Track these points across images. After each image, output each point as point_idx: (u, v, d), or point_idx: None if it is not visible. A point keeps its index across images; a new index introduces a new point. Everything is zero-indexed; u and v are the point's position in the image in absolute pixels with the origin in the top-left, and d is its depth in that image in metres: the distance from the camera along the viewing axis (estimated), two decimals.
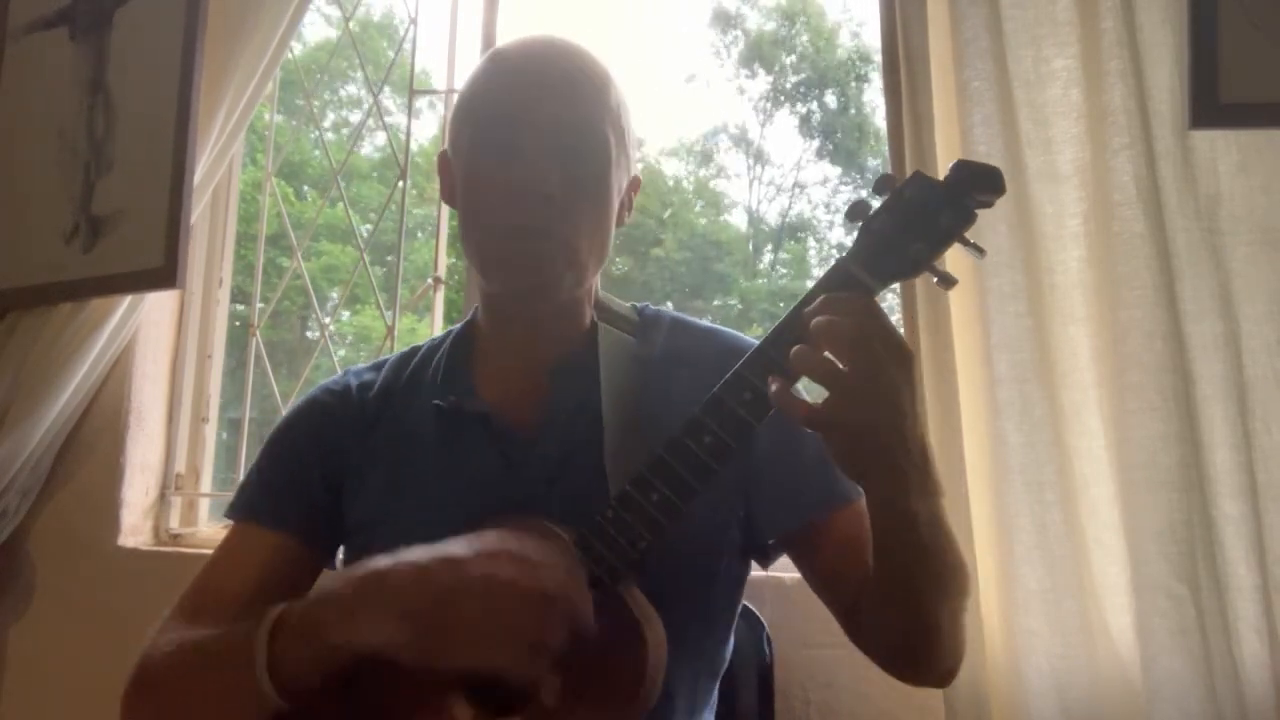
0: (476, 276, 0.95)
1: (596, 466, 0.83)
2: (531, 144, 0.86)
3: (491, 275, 0.91)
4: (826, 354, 0.67)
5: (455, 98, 1.87)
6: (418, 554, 0.69)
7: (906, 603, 0.79)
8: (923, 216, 0.70)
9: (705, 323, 1.01)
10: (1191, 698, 1.12)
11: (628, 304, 1.01)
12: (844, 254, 0.72)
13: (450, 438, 0.90)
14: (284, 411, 1.83)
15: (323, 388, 0.99)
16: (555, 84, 0.88)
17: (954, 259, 0.85)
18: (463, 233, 0.92)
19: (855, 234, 0.73)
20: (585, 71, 0.90)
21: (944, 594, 0.79)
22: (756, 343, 0.77)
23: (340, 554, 0.96)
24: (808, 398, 0.72)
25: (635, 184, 0.98)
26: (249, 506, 0.94)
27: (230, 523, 0.96)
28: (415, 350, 1.01)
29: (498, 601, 0.65)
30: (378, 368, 1.01)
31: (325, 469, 0.93)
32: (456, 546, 0.69)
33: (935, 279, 0.71)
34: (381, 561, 0.70)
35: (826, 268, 0.73)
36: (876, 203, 0.73)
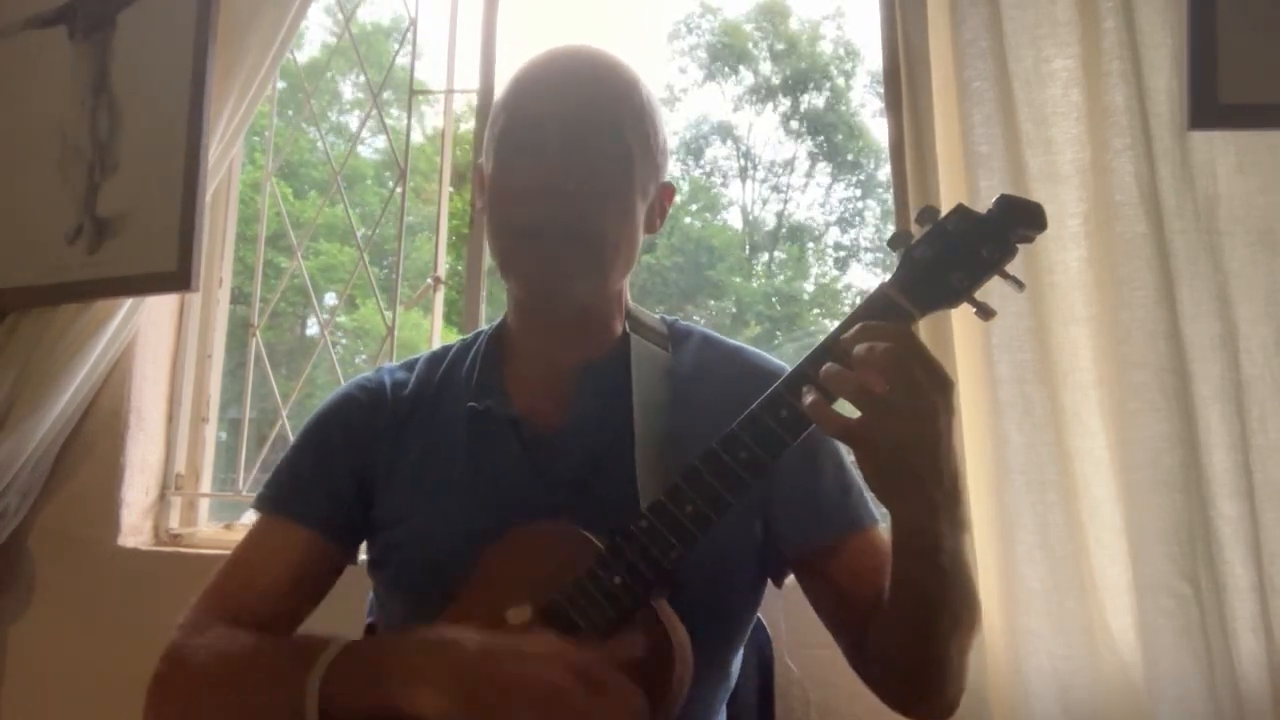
0: (502, 277, 0.95)
1: (625, 474, 0.83)
2: (553, 142, 0.86)
3: (511, 276, 0.92)
4: (863, 375, 0.67)
5: (454, 98, 1.89)
6: (483, 635, 0.70)
7: (918, 631, 0.78)
8: (964, 248, 0.72)
9: (732, 341, 1.02)
10: (1194, 698, 1.13)
11: (656, 316, 1.02)
12: (886, 280, 0.74)
13: (479, 439, 0.91)
14: (284, 411, 1.85)
15: (357, 384, 0.99)
16: (578, 85, 0.89)
17: None
18: (488, 234, 0.93)
19: (898, 262, 0.74)
20: (610, 75, 0.91)
21: (956, 627, 0.78)
22: (781, 363, 0.78)
23: (364, 551, 0.96)
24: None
25: (668, 192, 0.98)
26: (281, 501, 0.94)
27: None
28: (447, 350, 1.02)
29: (555, 714, 0.65)
30: (410, 367, 1.01)
31: (356, 465, 0.93)
32: (524, 640, 0.70)
33: (975, 310, 0.73)
34: (448, 632, 0.71)
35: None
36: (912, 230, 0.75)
